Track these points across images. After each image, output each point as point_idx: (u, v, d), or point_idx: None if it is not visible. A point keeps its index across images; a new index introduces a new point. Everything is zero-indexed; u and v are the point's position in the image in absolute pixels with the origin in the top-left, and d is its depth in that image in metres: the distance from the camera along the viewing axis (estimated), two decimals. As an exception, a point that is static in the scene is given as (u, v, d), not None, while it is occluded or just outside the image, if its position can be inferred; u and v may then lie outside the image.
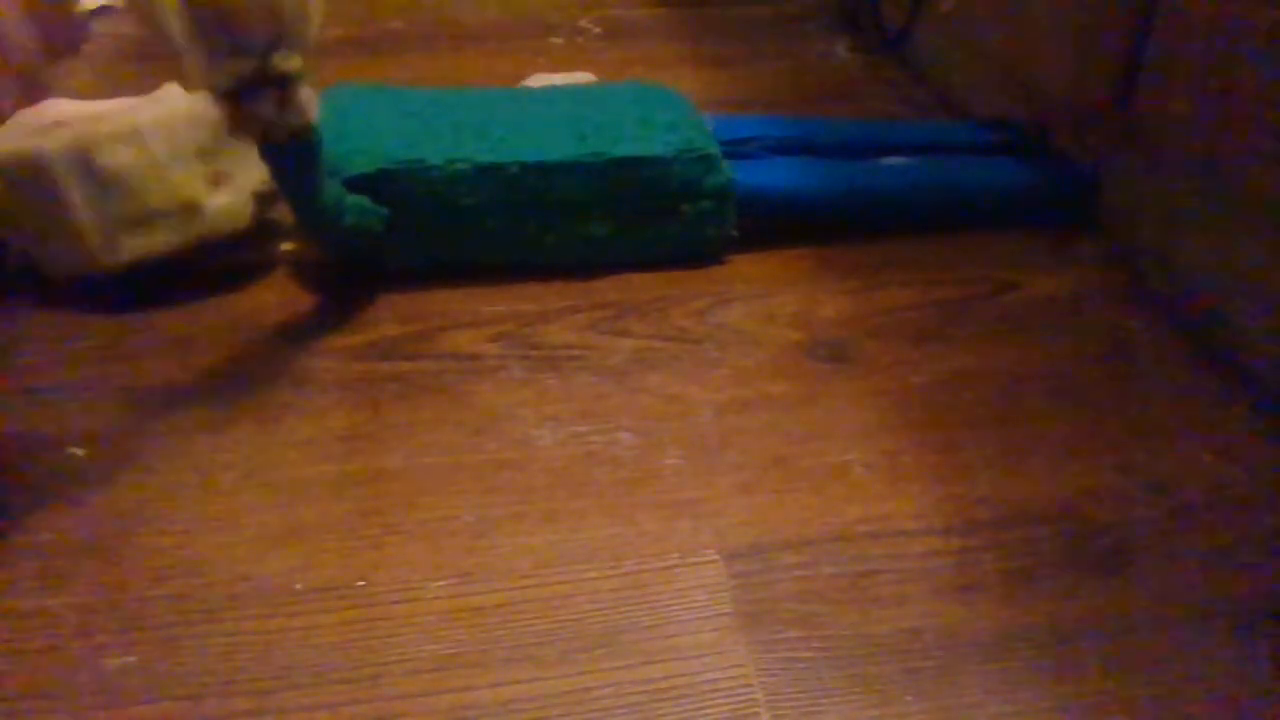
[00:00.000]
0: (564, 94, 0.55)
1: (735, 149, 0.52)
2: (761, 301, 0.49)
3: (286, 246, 0.50)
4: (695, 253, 0.51)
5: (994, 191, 0.55)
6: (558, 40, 0.77)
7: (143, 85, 0.50)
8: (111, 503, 0.37)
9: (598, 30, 0.79)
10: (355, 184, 0.46)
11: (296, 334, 0.46)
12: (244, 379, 0.43)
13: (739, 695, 0.31)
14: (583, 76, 0.60)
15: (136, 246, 0.46)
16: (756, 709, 0.31)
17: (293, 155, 0.41)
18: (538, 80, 0.60)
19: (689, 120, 0.52)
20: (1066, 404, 0.43)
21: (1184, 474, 0.39)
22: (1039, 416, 0.42)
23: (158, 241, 0.46)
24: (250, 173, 0.48)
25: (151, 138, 0.45)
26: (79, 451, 0.39)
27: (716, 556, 0.36)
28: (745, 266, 0.51)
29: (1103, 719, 0.31)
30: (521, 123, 0.50)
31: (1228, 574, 0.36)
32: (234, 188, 0.48)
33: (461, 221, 0.48)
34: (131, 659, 0.32)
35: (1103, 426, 0.42)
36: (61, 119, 0.46)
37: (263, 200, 0.49)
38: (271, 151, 0.40)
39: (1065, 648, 0.33)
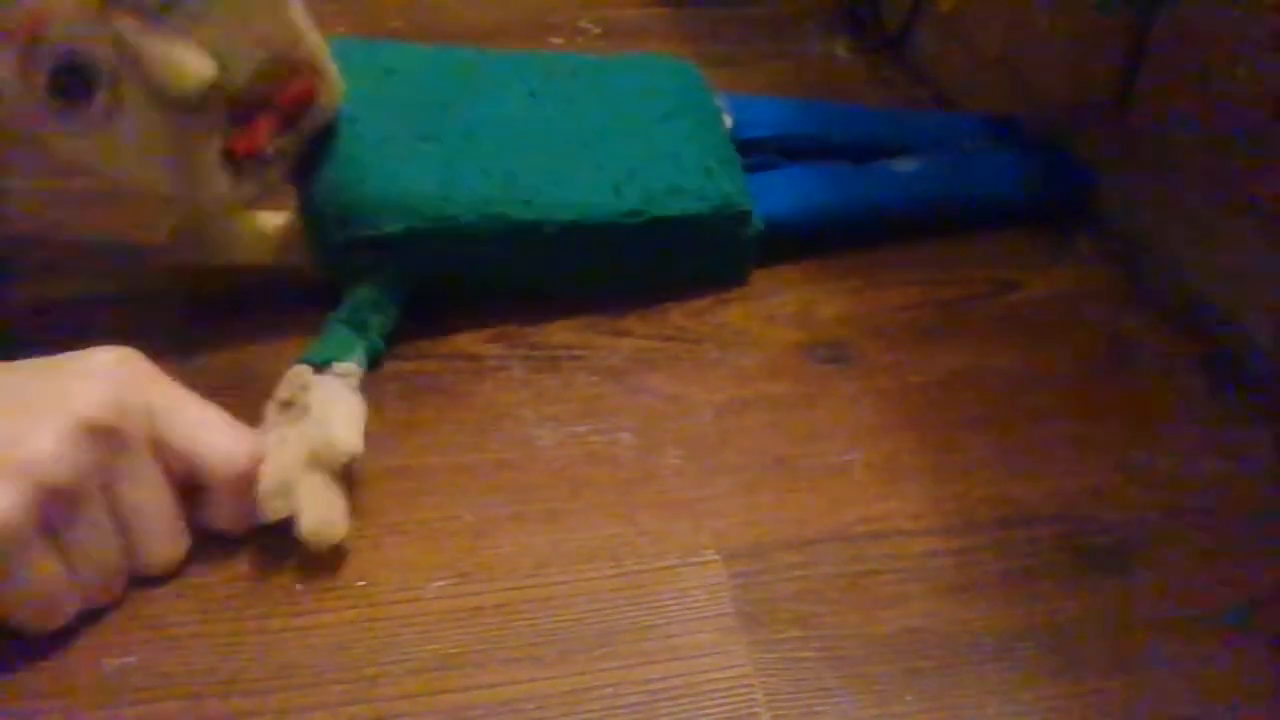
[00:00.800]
0: (580, 90, 0.51)
1: (753, 155, 0.51)
2: (761, 301, 0.49)
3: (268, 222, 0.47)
4: (708, 283, 0.49)
5: (999, 192, 0.54)
6: (558, 40, 0.77)
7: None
8: (111, 503, 0.37)
9: (598, 30, 0.79)
10: (380, 242, 0.43)
11: (297, 335, 0.46)
12: (243, 379, 0.43)
13: (739, 695, 0.31)
14: None
15: None
16: (756, 709, 0.31)
17: None
18: None
19: (722, 154, 0.49)
20: (1066, 404, 0.43)
21: (1184, 474, 0.39)
22: (1039, 416, 0.42)
23: None
24: None
25: None
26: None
27: (716, 556, 0.36)
28: (745, 266, 0.51)
29: (1103, 719, 0.31)
30: (551, 163, 0.46)
31: (1228, 574, 0.36)
32: None
33: (484, 271, 0.46)
34: (131, 659, 0.32)
35: (1103, 426, 0.42)
36: None
37: None
38: None
39: (1065, 648, 0.33)
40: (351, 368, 0.40)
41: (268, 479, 0.34)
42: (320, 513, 0.34)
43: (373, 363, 0.42)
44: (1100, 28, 0.52)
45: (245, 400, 0.42)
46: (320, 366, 0.39)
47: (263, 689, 0.31)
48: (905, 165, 0.53)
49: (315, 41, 0.42)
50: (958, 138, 0.57)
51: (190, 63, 0.38)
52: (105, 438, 0.31)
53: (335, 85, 0.43)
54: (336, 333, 0.42)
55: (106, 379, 0.32)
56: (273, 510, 0.34)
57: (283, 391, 0.38)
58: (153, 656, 0.32)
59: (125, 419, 0.32)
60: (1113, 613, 0.34)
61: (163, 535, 0.34)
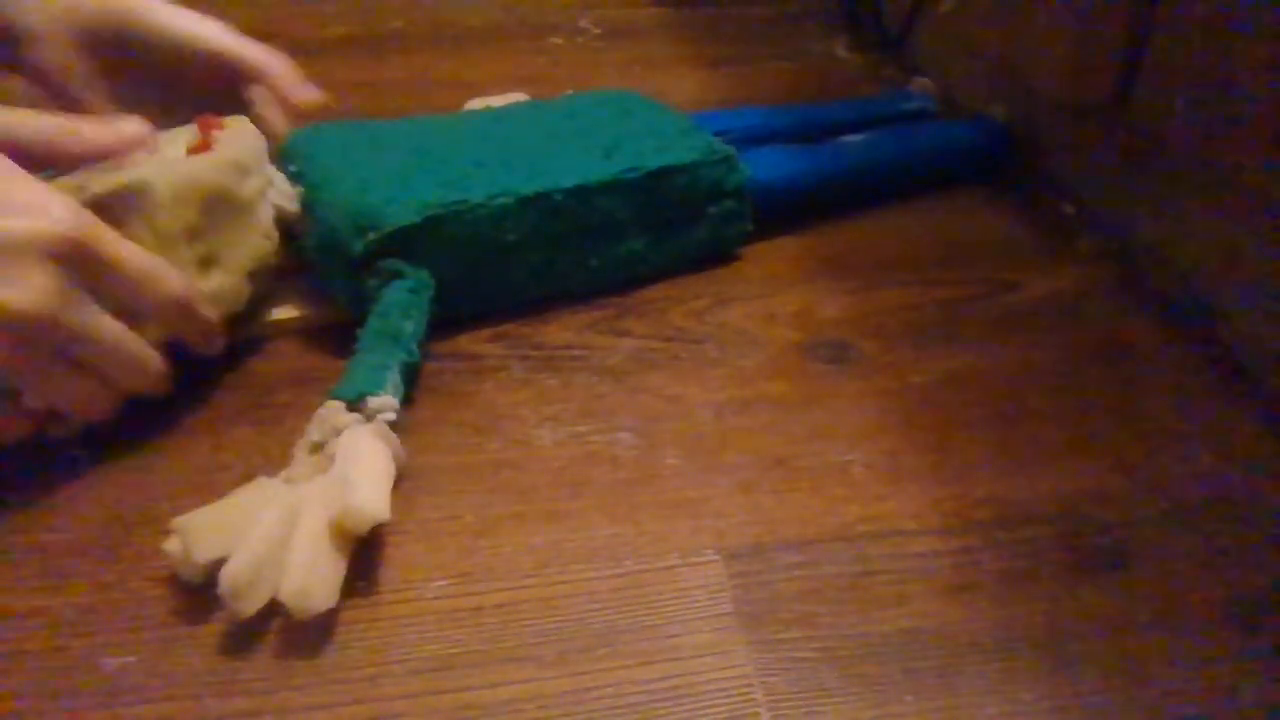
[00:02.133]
0: (551, 112, 0.54)
1: None
2: (761, 301, 0.49)
3: (279, 316, 0.46)
4: (717, 251, 0.51)
5: (940, 154, 0.59)
6: (558, 40, 0.77)
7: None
8: (111, 503, 0.37)
9: (598, 30, 0.79)
10: (396, 237, 0.43)
11: (295, 334, 0.46)
12: (244, 379, 0.43)
13: (739, 695, 0.31)
14: (518, 96, 0.59)
15: None
16: (756, 709, 0.31)
17: None
18: (477, 104, 0.58)
19: (688, 123, 0.52)
20: (1066, 404, 0.43)
21: (1184, 474, 0.39)
22: (1039, 416, 0.42)
23: (145, 334, 0.39)
24: (243, 250, 0.42)
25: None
26: (79, 451, 0.39)
27: (716, 556, 0.36)
28: (745, 266, 0.51)
29: (1103, 719, 0.31)
30: (538, 147, 0.49)
31: (1228, 574, 0.36)
32: (225, 269, 0.42)
33: (505, 260, 0.46)
34: (131, 659, 0.32)
35: (1103, 426, 0.42)
36: None
37: (257, 279, 0.43)
38: None
39: (1065, 648, 0.33)
40: (386, 401, 0.38)
41: (241, 562, 0.32)
42: (304, 581, 0.32)
43: (410, 379, 0.41)
44: (1100, 28, 0.52)
45: (242, 400, 0.42)
46: (353, 402, 0.38)
47: (263, 689, 0.31)
48: (853, 139, 0.58)
49: None
50: (883, 116, 0.62)
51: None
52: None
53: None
54: (369, 355, 0.40)
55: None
56: (244, 601, 0.32)
57: (314, 433, 0.37)
58: (153, 656, 0.32)
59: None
60: (1113, 613, 0.34)
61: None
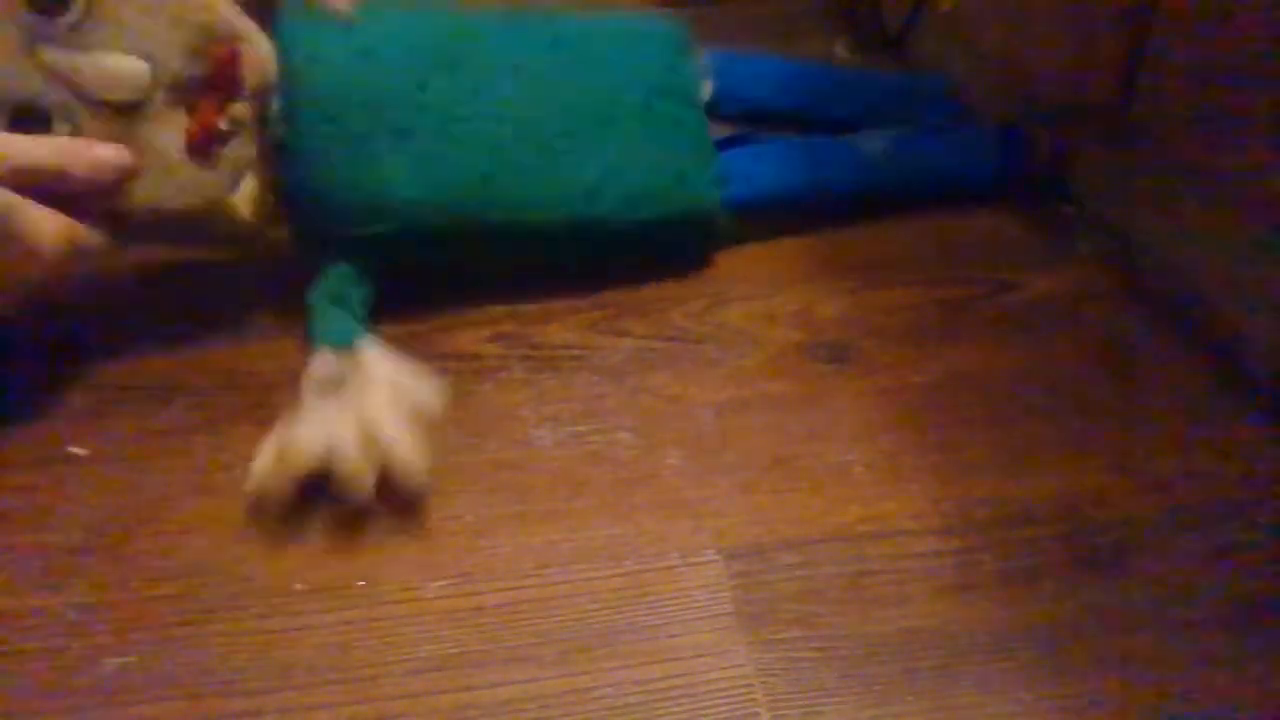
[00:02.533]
0: (563, 67, 0.50)
1: (728, 119, 0.53)
2: (761, 301, 0.49)
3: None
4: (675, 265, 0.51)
5: (957, 176, 0.56)
6: (558, 40, 0.77)
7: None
8: (111, 503, 0.37)
9: (598, 30, 0.79)
10: (359, 242, 0.44)
11: (296, 333, 0.46)
12: (243, 378, 0.43)
13: (739, 695, 0.31)
14: None
15: None
16: (757, 709, 0.31)
17: None
18: None
19: (698, 147, 0.50)
20: (1066, 404, 0.43)
21: (1184, 474, 0.39)
22: (1039, 416, 0.42)
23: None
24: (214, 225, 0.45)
25: None
26: (79, 451, 0.39)
27: (716, 556, 0.36)
28: (745, 267, 0.51)
29: (1102, 719, 0.31)
30: (524, 152, 0.47)
31: (1228, 574, 0.36)
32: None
33: (461, 264, 0.48)
34: (131, 659, 0.32)
35: (1103, 426, 0.42)
36: None
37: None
38: None
39: (1065, 648, 0.33)
40: (374, 346, 0.41)
41: (349, 448, 0.36)
42: (407, 452, 0.37)
43: None
44: (1100, 28, 0.52)
45: (242, 400, 0.42)
46: (339, 347, 0.40)
47: (263, 689, 0.31)
48: (872, 144, 0.55)
49: (224, 6, 0.42)
50: (918, 104, 0.59)
51: (122, 67, 0.40)
52: None
53: (259, 43, 0.43)
54: (332, 313, 0.43)
55: None
56: (361, 481, 0.36)
57: (319, 373, 0.39)
58: (153, 656, 0.32)
59: None
60: (1113, 613, 0.34)
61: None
